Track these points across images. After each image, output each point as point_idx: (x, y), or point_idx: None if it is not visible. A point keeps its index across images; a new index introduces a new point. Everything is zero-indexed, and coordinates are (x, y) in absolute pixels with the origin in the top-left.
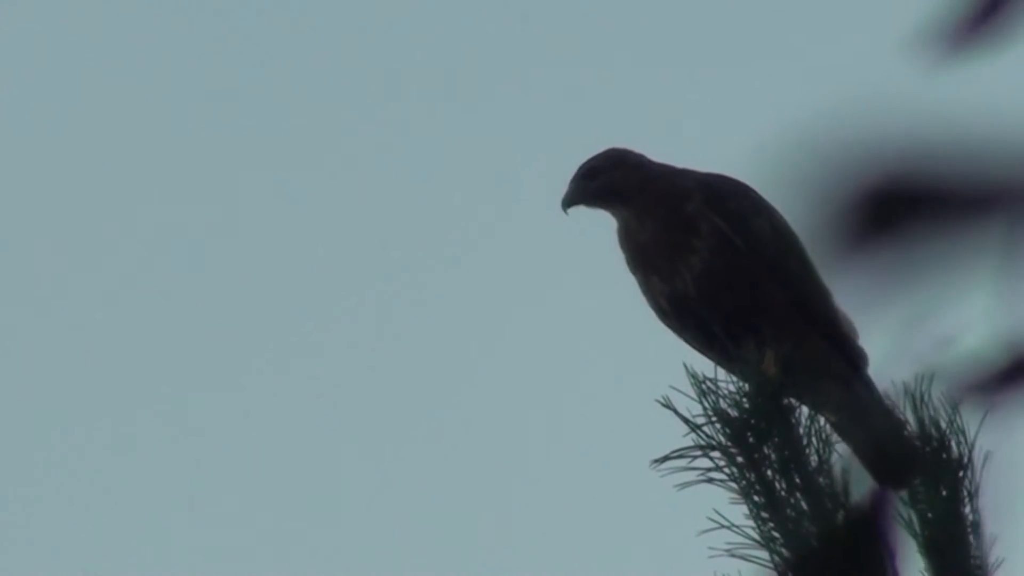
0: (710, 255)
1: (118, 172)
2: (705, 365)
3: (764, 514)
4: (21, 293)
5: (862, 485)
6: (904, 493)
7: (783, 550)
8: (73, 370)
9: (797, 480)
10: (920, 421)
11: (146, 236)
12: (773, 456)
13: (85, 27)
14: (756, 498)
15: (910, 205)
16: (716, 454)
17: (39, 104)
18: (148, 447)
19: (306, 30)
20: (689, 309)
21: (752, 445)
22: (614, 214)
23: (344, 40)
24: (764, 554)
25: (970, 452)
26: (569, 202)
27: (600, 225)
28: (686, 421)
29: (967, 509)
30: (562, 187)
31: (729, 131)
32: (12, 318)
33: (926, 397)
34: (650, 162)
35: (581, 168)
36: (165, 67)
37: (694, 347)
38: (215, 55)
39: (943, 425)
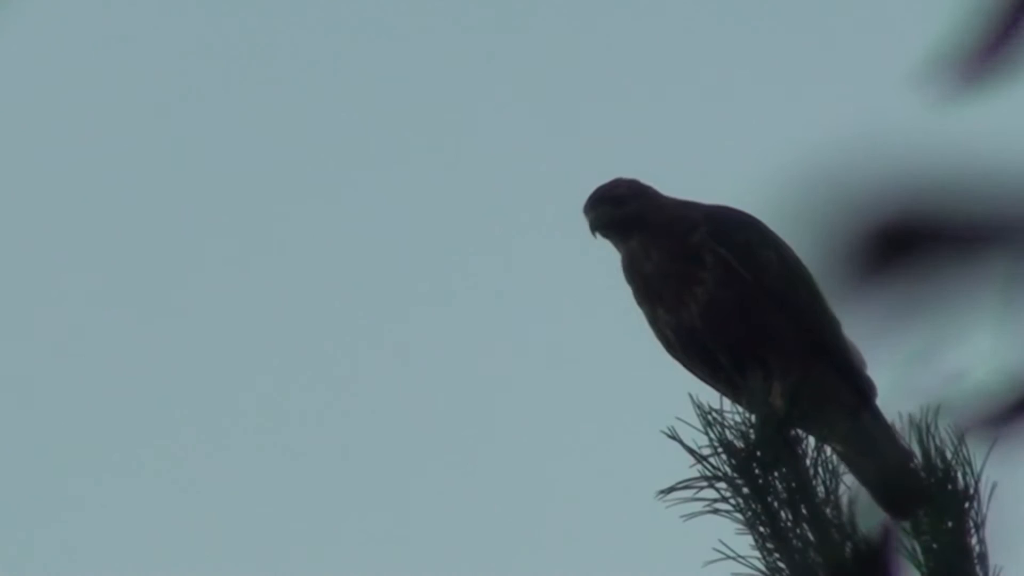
0: (716, 286)
1: (122, 175)
2: (711, 396)
3: (769, 545)
4: (22, 295)
5: (869, 517)
6: (909, 524)
7: None
8: (76, 372)
9: (803, 511)
10: (926, 453)
11: (154, 243)
12: (779, 487)
13: (85, 27)
14: (762, 529)
15: (917, 239)
16: (722, 485)
17: (39, 106)
18: (149, 451)
19: (313, 35)
20: (695, 341)
21: (758, 476)
22: (619, 245)
23: (351, 56)
24: None
25: (976, 484)
26: (602, 226)
27: (607, 254)
28: (692, 452)
29: (973, 540)
30: (571, 215)
31: (737, 165)
32: (12, 320)
33: (932, 429)
34: (658, 193)
35: (600, 195)
36: (170, 72)
37: (701, 378)
38: (224, 68)
39: (949, 457)
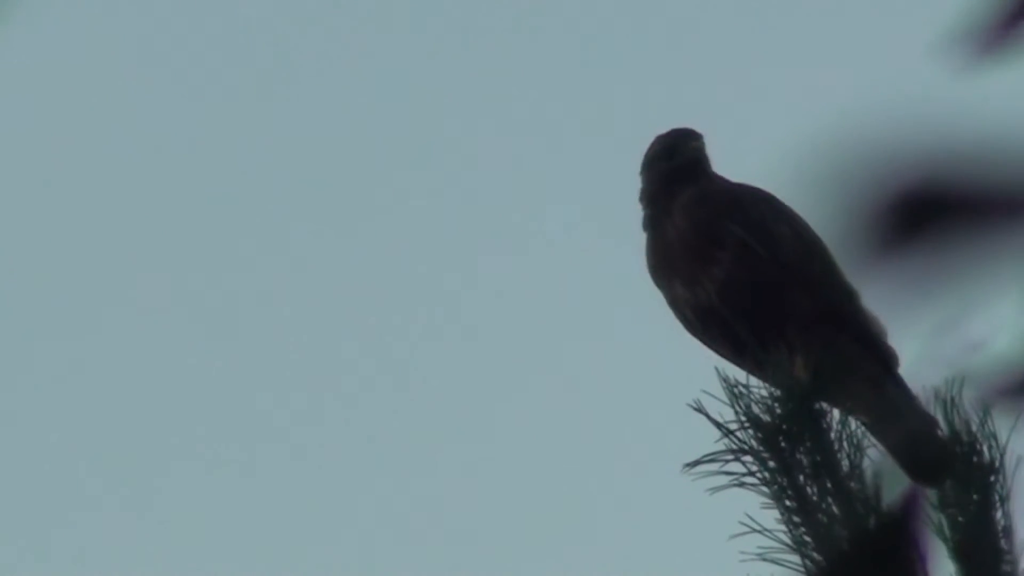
0: (732, 265)
1: (124, 181)
2: (737, 370)
3: (796, 518)
4: (23, 298)
5: (894, 489)
6: (935, 496)
7: (815, 554)
8: (78, 374)
9: (829, 485)
10: (951, 425)
11: (156, 244)
12: (805, 461)
13: (83, 28)
14: (788, 502)
15: (939, 209)
16: (748, 458)
17: (38, 107)
18: (150, 451)
19: (310, 34)
20: (714, 319)
21: (784, 450)
22: (649, 206)
23: (352, 52)
24: (796, 558)
25: (1001, 456)
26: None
27: (632, 233)
28: (718, 425)
29: (998, 514)
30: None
31: (756, 136)
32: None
33: (957, 401)
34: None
35: (681, 139)
36: (171, 75)
37: (723, 356)
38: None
39: (974, 429)
